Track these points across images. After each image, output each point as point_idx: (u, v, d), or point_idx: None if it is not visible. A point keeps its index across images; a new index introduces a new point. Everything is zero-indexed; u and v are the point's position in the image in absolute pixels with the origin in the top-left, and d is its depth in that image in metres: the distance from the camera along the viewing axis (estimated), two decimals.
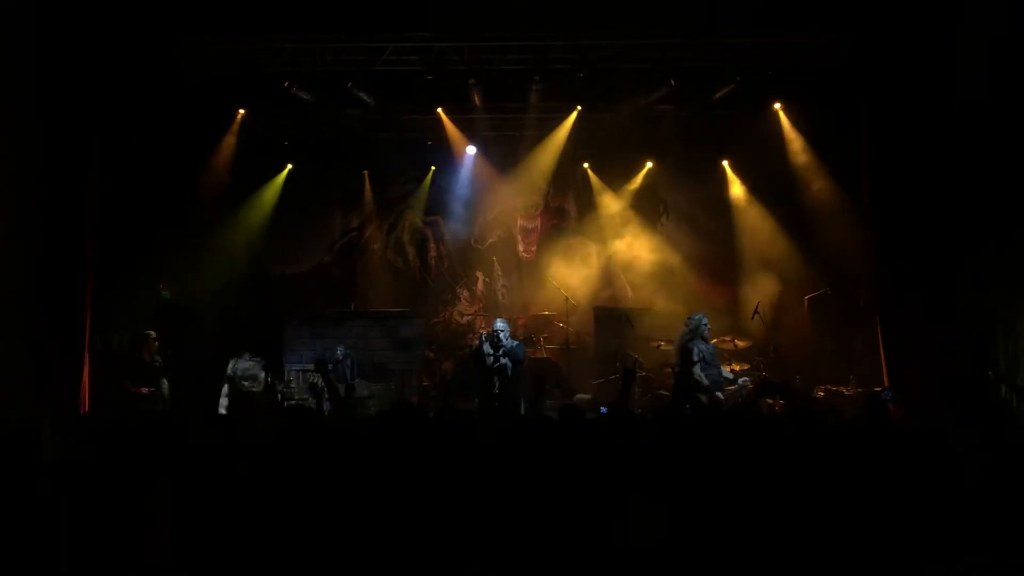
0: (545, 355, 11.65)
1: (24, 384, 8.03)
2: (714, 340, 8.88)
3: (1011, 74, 7.89)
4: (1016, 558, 3.41)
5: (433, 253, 13.40)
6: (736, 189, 12.45)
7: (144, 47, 9.38)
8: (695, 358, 8.26)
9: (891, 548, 3.37)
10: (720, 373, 8.58)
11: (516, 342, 9.07)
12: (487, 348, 8.77)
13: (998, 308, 8.38)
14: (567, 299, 11.90)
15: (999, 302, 8.39)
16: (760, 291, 11.33)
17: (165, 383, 8.95)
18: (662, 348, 10.25)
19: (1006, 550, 3.47)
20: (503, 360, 8.68)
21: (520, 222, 13.37)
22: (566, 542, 3.04)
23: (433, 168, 13.06)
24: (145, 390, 8.67)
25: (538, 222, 13.34)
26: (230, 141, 11.32)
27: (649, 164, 12.65)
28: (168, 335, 9.45)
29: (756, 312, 10.14)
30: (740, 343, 10.43)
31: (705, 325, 8.53)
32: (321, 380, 9.17)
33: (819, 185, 11.07)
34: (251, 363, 9.47)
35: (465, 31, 10.00)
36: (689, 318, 8.69)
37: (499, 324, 8.97)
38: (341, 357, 10.29)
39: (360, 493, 3.30)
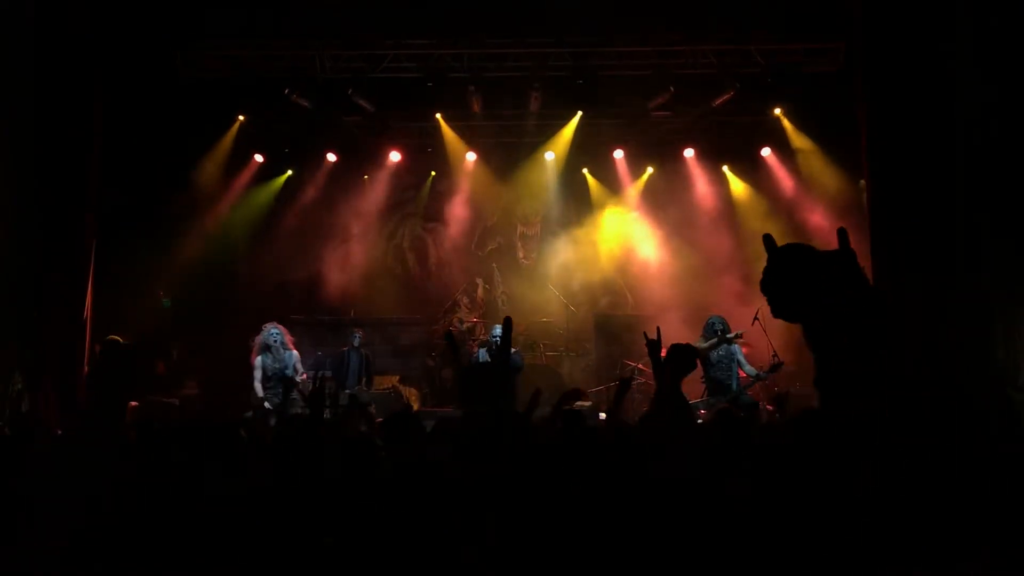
0: (545, 362, 11.61)
1: (23, 387, 8.00)
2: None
3: (1010, 74, 7.90)
4: (1014, 562, 3.37)
5: (433, 260, 13.40)
6: (737, 194, 12.45)
7: (144, 53, 9.41)
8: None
9: (882, 555, 3.32)
10: (731, 376, 8.51)
11: (514, 349, 9.04)
12: (484, 355, 8.75)
13: (998, 308, 8.35)
14: (567, 306, 11.85)
15: (999, 302, 8.36)
16: (761, 297, 11.25)
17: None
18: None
19: (1003, 555, 3.42)
20: None
21: (520, 229, 13.38)
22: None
23: (433, 174, 13.09)
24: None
25: (538, 228, 13.34)
26: (229, 147, 11.35)
27: (649, 169, 12.66)
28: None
29: (756, 318, 10.10)
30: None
31: (713, 329, 8.51)
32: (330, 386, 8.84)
33: (819, 189, 11.07)
34: (277, 332, 8.59)
35: (464, 38, 10.02)
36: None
37: (498, 331, 8.95)
38: (356, 344, 10.14)
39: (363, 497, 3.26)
